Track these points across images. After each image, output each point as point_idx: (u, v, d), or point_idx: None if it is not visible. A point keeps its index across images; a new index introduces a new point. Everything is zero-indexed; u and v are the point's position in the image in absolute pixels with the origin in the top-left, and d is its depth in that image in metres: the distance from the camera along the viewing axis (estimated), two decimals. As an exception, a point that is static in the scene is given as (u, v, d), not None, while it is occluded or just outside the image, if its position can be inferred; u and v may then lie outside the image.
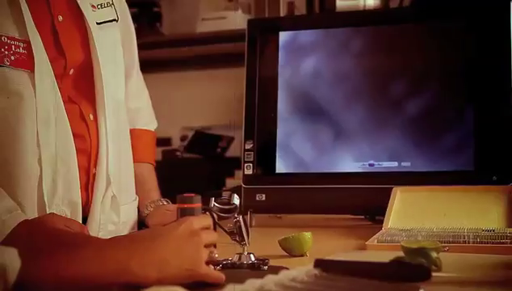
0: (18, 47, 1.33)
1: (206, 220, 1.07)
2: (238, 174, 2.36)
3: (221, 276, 1.04)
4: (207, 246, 1.03)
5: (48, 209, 1.35)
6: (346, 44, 1.90)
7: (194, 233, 1.01)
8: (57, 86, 1.38)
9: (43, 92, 1.35)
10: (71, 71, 1.43)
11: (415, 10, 1.99)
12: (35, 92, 1.34)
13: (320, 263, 0.98)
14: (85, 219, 1.44)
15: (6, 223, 1.12)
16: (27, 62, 1.34)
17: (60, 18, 1.42)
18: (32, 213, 1.33)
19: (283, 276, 0.92)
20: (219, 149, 3.11)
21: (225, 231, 1.44)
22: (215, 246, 1.06)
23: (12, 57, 1.32)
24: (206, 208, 1.21)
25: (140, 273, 0.94)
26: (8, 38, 1.32)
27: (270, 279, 0.89)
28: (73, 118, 1.42)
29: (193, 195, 1.13)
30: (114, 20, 1.55)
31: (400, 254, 1.11)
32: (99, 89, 1.47)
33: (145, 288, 0.79)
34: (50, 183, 1.36)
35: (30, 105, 1.34)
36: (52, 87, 1.37)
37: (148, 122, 1.79)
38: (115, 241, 1.07)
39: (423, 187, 1.64)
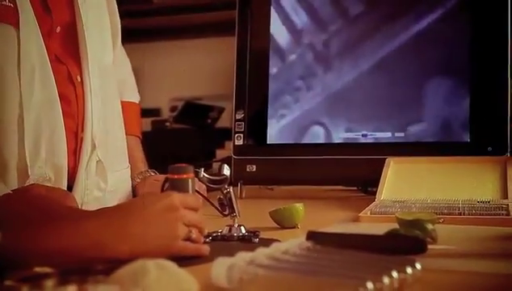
0: (3, 1, 1.29)
1: (191, 199, 1.04)
2: (229, 145, 2.34)
3: (201, 248, 1.01)
4: (187, 225, 0.99)
5: (29, 170, 1.31)
6: (340, 4, 1.87)
7: (172, 208, 0.98)
8: (44, 44, 1.34)
9: (28, 50, 1.31)
10: (58, 29, 1.40)
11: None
12: (19, 48, 1.30)
13: (312, 236, 0.95)
14: (72, 184, 1.40)
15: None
16: (12, 17, 1.30)
17: None
18: (13, 174, 1.30)
19: (274, 248, 0.89)
20: (209, 120, 3.08)
21: (214, 206, 1.42)
22: (199, 227, 1.02)
23: None
24: (196, 176, 1.18)
25: (113, 247, 0.91)
26: None
27: (261, 252, 0.87)
28: (60, 79, 1.38)
29: (184, 165, 1.10)
30: None
31: (395, 226, 1.08)
32: (83, 49, 1.43)
33: (130, 262, 0.76)
34: (32, 144, 1.32)
35: (13, 61, 1.30)
36: (37, 44, 1.33)
37: (132, 95, 1.77)
38: (92, 214, 1.04)
39: (417, 158, 1.62)
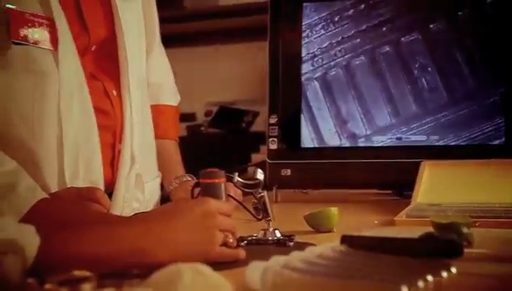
0: (42, 24, 1.30)
1: (225, 205, 1.05)
2: (264, 149, 2.34)
3: (238, 253, 1.02)
4: (222, 230, 1.00)
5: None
6: (371, 14, 1.87)
7: (209, 215, 0.99)
8: (80, 63, 1.36)
9: (66, 70, 1.33)
10: (93, 47, 1.41)
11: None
12: (58, 70, 1.32)
13: (346, 239, 0.95)
14: (109, 196, 1.41)
15: (26, 201, 1.11)
16: (50, 40, 1.31)
17: None
18: (54, 191, 1.31)
19: (308, 252, 0.89)
20: (244, 124, 3.08)
21: (248, 211, 1.43)
22: (233, 233, 1.03)
23: (36, 35, 1.30)
24: (230, 181, 1.19)
25: (152, 253, 0.92)
26: (32, 15, 1.30)
27: (295, 255, 0.87)
28: (97, 95, 1.40)
29: (216, 170, 1.11)
30: None
31: (430, 229, 1.08)
32: (123, 64, 1.45)
33: (166, 266, 0.77)
34: (71, 163, 1.34)
35: (53, 83, 1.32)
36: (75, 65, 1.35)
37: (171, 97, 1.77)
38: (129, 219, 1.06)
39: (452, 161, 1.61)
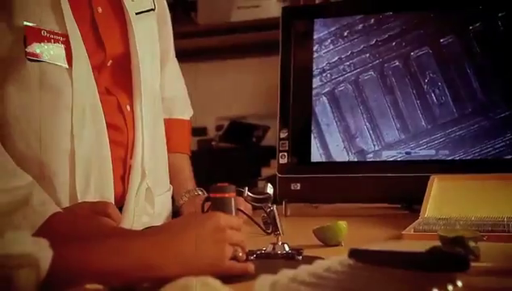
0: (58, 41, 1.32)
1: (235, 220, 1.06)
2: (274, 163, 2.35)
3: (247, 267, 1.03)
4: (232, 244, 1.02)
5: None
6: (382, 30, 1.88)
7: (219, 229, 1.01)
8: (94, 78, 1.38)
9: (79, 86, 1.35)
10: (109, 62, 1.43)
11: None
12: (72, 86, 1.34)
13: (354, 253, 0.96)
14: (120, 210, 1.43)
15: (40, 214, 1.13)
16: (65, 57, 1.33)
17: (100, 9, 1.41)
18: (64, 206, 1.32)
19: (317, 266, 0.90)
20: (254, 139, 3.10)
21: (258, 225, 1.44)
22: (242, 247, 1.05)
23: (51, 52, 1.32)
24: (240, 195, 1.20)
25: (162, 267, 0.94)
26: (47, 32, 1.32)
27: (304, 269, 0.88)
28: (110, 110, 1.42)
29: (226, 184, 1.12)
30: (151, 9, 1.54)
31: (438, 243, 1.09)
32: (137, 79, 1.46)
33: (176, 280, 0.78)
34: (83, 178, 1.36)
35: (66, 99, 1.34)
36: (89, 81, 1.37)
37: (184, 111, 1.79)
38: (140, 234, 1.07)
39: (461, 176, 1.61)
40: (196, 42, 3.12)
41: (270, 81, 2.20)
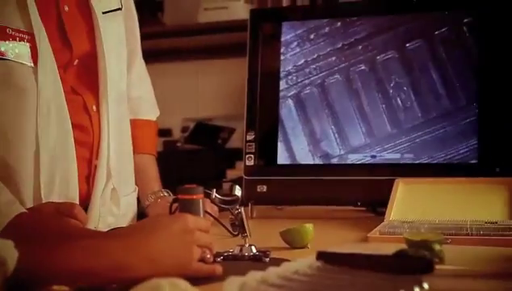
0: (23, 39, 1.31)
1: (203, 222, 1.07)
2: (239, 165, 2.36)
3: (215, 268, 1.03)
4: (200, 246, 1.02)
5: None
6: (349, 34, 1.89)
7: (187, 231, 1.01)
8: (60, 77, 1.36)
9: (45, 85, 1.33)
10: (76, 62, 1.42)
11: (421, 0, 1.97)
12: (37, 85, 1.32)
13: (322, 256, 0.97)
14: (85, 210, 1.42)
15: (4, 215, 1.12)
16: (30, 56, 1.32)
17: (67, 8, 1.40)
18: (29, 206, 1.30)
19: (285, 268, 0.91)
20: (220, 141, 3.10)
21: (225, 227, 1.44)
22: (210, 248, 1.05)
23: (16, 50, 1.30)
24: (208, 197, 1.20)
25: (130, 268, 0.94)
26: (13, 30, 1.30)
27: (272, 271, 0.88)
28: (76, 109, 1.40)
29: (194, 186, 1.12)
30: (118, 9, 1.53)
31: (403, 246, 1.10)
32: (103, 80, 1.45)
33: (145, 281, 0.78)
34: (48, 178, 1.34)
35: (31, 98, 1.32)
36: (54, 80, 1.35)
37: (150, 111, 1.78)
38: (108, 234, 1.07)
39: (426, 179, 1.64)
40: (163, 42, 3.12)
41: (237, 83, 2.21)
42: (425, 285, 0.83)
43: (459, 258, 1.14)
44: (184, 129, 3.22)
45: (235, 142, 3.03)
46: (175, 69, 3.31)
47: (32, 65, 1.32)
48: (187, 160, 3.03)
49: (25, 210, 1.17)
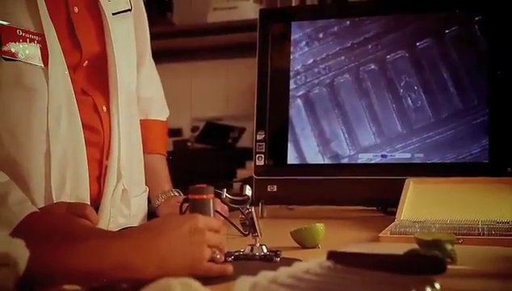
0: (33, 40, 1.31)
1: (214, 221, 1.06)
2: (249, 165, 2.35)
3: (226, 268, 1.03)
4: (210, 246, 1.02)
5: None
6: (358, 33, 1.88)
7: (197, 231, 1.01)
8: (70, 78, 1.37)
9: (55, 86, 1.34)
10: (85, 63, 1.42)
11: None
12: (47, 86, 1.33)
13: (333, 256, 0.97)
14: (96, 211, 1.42)
15: (16, 214, 1.12)
16: (41, 57, 1.32)
17: (76, 9, 1.40)
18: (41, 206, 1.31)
19: (296, 268, 0.90)
20: (230, 140, 3.10)
21: (235, 227, 1.44)
22: (220, 248, 1.05)
23: (27, 51, 1.31)
24: (218, 197, 1.20)
25: (140, 268, 0.94)
26: (23, 31, 1.30)
27: (283, 271, 0.88)
28: (86, 110, 1.41)
29: (205, 186, 1.12)
30: (128, 10, 1.53)
31: (414, 246, 1.09)
32: (113, 80, 1.46)
33: (156, 281, 0.78)
34: (58, 178, 1.35)
35: (42, 99, 1.33)
36: (64, 81, 1.36)
37: (160, 111, 1.78)
38: (118, 234, 1.07)
39: (437, 179, 1.63)
40: (173, 43, 3.12)
41: (246, 82, 2.21)
42: (437, 285, 0.82)
43: (471, 258, 1.13)
44: (194, 129, 3.22)
45: (245, 142, 3.02)
46: (184, 69, 3.31)
47: (43, 66, 1.32)
48: (197, 160, 3.03)
49: (36, 210, 1.18)
